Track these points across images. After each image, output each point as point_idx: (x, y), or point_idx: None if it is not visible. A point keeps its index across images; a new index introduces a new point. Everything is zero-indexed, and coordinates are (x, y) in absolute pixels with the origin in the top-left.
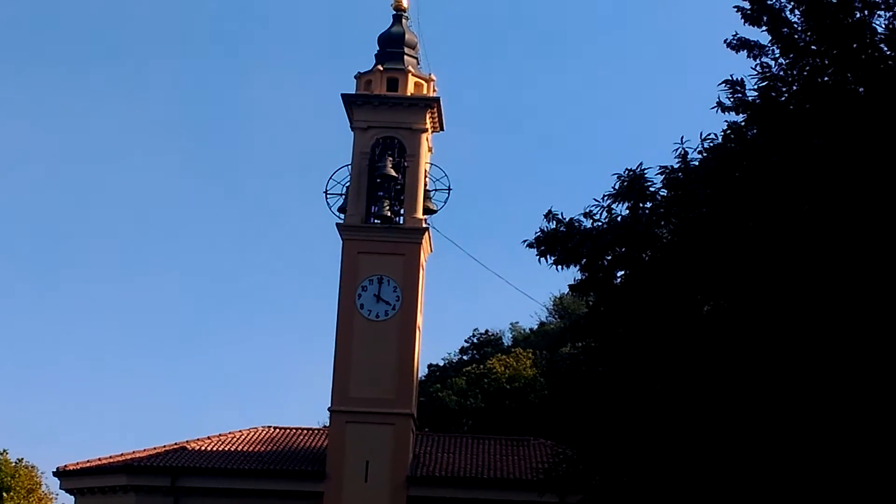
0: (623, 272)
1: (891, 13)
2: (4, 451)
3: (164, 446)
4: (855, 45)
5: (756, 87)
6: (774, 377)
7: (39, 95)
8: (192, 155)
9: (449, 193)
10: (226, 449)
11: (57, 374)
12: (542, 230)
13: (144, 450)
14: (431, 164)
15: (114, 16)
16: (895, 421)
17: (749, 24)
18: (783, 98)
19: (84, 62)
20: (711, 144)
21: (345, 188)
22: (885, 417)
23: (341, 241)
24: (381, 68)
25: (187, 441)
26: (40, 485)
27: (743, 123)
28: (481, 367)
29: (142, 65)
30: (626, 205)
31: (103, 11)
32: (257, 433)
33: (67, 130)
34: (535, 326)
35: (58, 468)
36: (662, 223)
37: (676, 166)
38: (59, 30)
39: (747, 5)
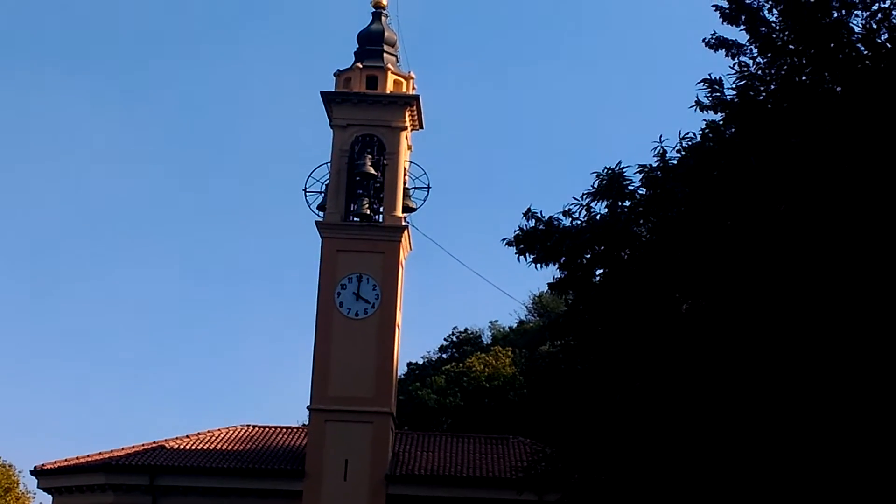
0: (602, 270)
1: (868, 13)
2: None
3: (143, 445)
4: (832, 45)
5: (734, 86)
6: (752, 375)
7: (24, 95)
8: (169, 152)
9: (428, 191)
10: (204, 448)
11: (35, 373)
12: (521, 228)
13: (123, 448)
14: (411, 163)
15: (90, 16)
16: (872, 412)
17: (727, 23)
18: (761, 97)
19: (61, 62)
20: (690, 143)
21: (324, 186)
22: (862, 410)
23: (320, 239)
24: (361, 66)
25: (166, 440)
26: (17, 484)
27: (721, 122)
28: (461, 365)
29: (118, 63)
30: (604, 203)
31: (77, 12)
32: (236, 432)
33: (44, 129)
34: (515, 325)
35: (35, 467)
36: (641, 222)
37: (655, 165)
38: (44, 29)
39: (726, 4)
